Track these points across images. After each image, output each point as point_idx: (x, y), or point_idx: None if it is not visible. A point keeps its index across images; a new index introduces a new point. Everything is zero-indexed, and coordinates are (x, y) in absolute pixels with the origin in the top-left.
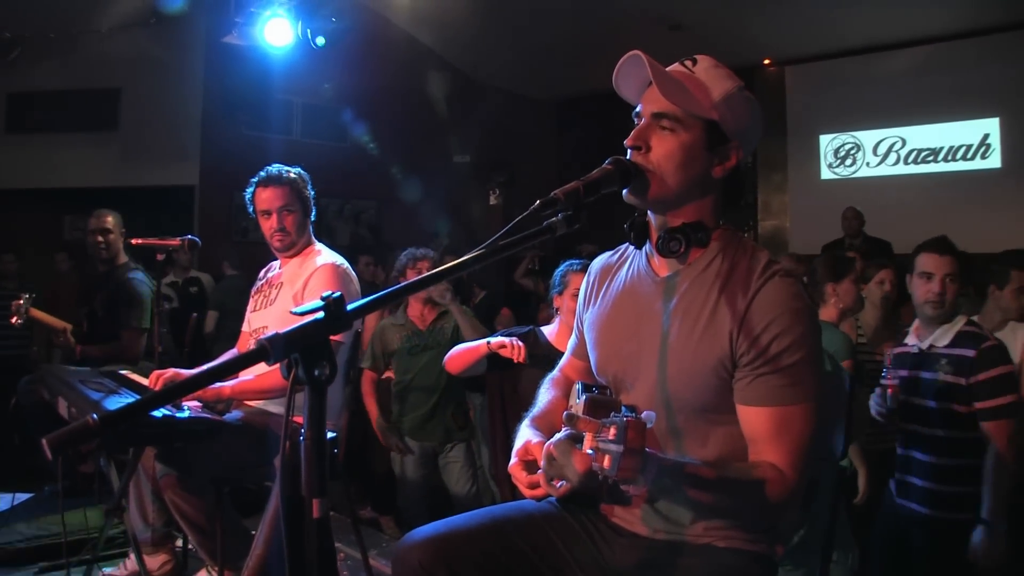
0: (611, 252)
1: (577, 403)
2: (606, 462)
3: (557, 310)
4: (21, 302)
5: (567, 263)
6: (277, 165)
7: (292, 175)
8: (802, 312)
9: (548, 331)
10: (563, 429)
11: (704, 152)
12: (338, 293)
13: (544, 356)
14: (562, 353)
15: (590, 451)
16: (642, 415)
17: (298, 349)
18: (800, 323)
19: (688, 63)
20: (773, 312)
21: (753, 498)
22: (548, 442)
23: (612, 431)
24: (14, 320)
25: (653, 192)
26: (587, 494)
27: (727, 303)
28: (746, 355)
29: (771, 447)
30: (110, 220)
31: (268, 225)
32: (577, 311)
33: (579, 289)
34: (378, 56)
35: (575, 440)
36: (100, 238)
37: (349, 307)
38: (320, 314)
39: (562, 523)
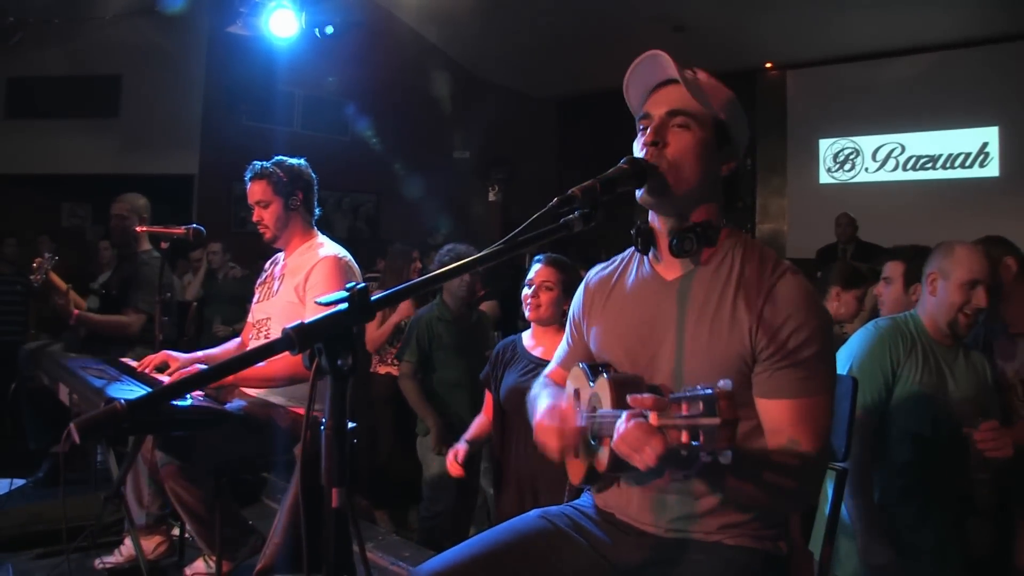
0: (603, 264)
1: (591, 386)
2: (684, 437)
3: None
4: (44, 260)
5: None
6: (278, 157)
7: (270, 169)
8: (815, 306)
9: (525, 337)
10: (603, 407)
11: (715, 150)
12: (363, 284)
13: (528, 365)
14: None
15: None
16: (719, 383)
17: (322, 339)
18: (815, 317)
19: (690, 72)
20: (790, 307)
21: (789, 480)
22: (620, 423)
23: (686, 407)
24: (35, 277)
25: (670, 190)
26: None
27: (744, 301)
28: (765, 350)
29: (794, 436)
30: (126, 204)
31: (254, 218)
32: (570, 321)
33: (544, 282)
34: (381, 51)
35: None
36: (116, 223)
37: (373, 298)
38: (344, 305)
39: (559, 537)
